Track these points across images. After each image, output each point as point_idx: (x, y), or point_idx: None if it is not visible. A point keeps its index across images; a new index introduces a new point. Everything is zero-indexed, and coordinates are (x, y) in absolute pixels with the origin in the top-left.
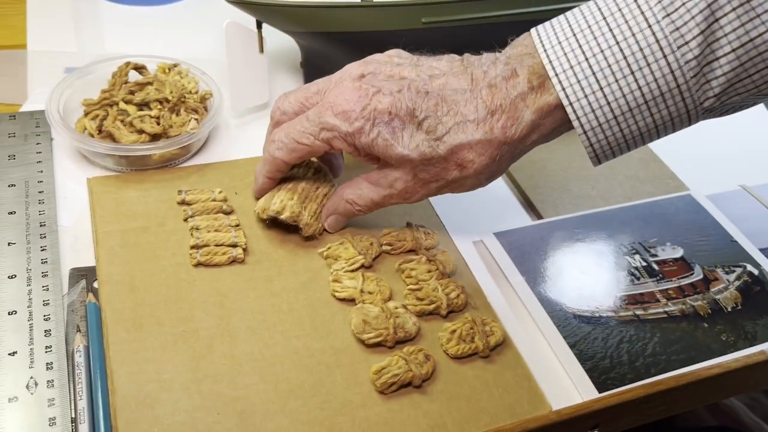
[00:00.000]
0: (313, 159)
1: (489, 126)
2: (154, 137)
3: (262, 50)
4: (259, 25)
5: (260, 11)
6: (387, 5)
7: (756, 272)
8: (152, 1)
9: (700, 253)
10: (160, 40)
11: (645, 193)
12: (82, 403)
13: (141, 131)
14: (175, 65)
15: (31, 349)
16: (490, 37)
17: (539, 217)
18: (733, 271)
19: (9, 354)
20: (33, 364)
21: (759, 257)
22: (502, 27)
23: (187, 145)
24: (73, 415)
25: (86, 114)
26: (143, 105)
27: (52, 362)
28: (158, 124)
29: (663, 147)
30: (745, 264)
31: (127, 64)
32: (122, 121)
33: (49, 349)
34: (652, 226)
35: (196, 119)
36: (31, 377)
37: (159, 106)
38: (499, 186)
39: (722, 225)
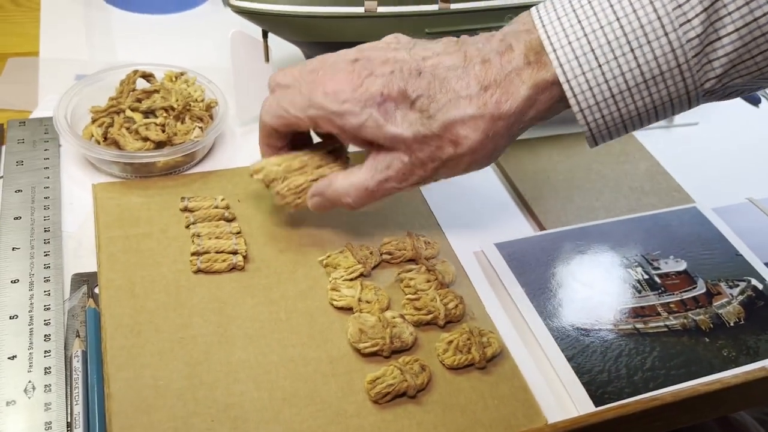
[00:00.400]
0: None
1: (482, 101)
2: (159, 145)
3: (267, 59)
4: (264, 35)
5: (266, 21)
6: (391, 16)
7: (760, 287)
8: (162, 9)
9: (703, 266)
10: (170, 48)
11: (650, 205)
12: (78, 408)
13: (146, 139)
14: (182, 73)
15: (30, 353)
16: None
17: (542, 228)
18: (737, 286)
19: (9, 358)
20: (32, 368)
21: (764, 271)
22: None
23: (192, 153)
24: (69, 420)
25: (93, 121)
26: (149, 113)
27: (50, 367)
28: (163, 131)
29: (670, 159)
30: (749, 278)
31: (135, 72)
32: (128, 128)
33: (48, 354)
34: (656, 239)
35: (200, 127)
36: (29, 381)
37: (164, 114)
38: (502, 196)
39: (727, 238)
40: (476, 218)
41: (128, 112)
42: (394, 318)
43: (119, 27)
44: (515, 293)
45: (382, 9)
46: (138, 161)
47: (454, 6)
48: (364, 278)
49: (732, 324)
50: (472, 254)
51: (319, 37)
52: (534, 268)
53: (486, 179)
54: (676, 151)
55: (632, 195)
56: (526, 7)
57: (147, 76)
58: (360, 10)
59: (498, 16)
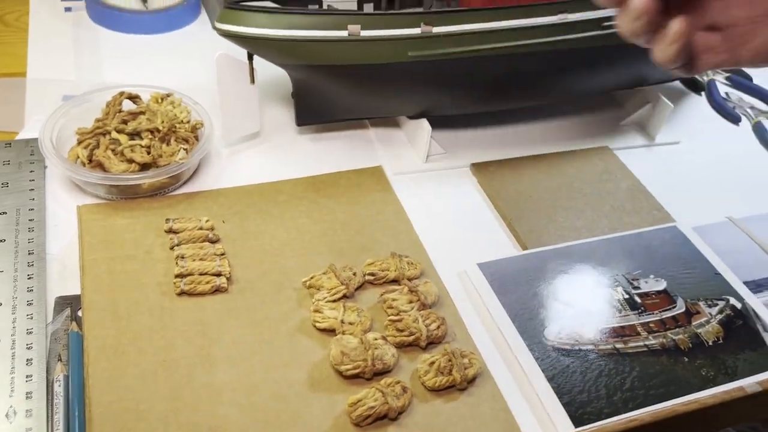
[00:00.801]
0: None
1: None
2: (144, 166)
3: (253, 81)
4: (250, 57)
5: (251, 44)
6: (374, 40)
7: (739, 306)
8: (151, 29)
9: (683, 285)
10: (158, 68)
11: (631, 224)
12: None
13: (131, 160)
14: (168, 95)
15: (12, 378)
16: (477, 69)
17: (524, 247)
18: (716, 305)
19: None
20: (13, 393)
21: (742, 290)
22: (487, 60)
23: (177, 174)
24: None
25: (79, 142)
26: (135, 134)
27: (31, 391)
28: (148, 153)
29: (651, 178)
30: (728, 297)
31: (121, 93)
32: (113, 150)
33: (29, 378)
34: (637, 258)
35: (185, 149)
36: (11, 406)
37: (150, 136)
38: (486, 216)
39: (707, 257)
40: (460, 238)
41: (114, 134)
42: (376, 340)
43: (108, 47)
44: (497, 313)
45: (365, 33)
46: (123, 183)
47: (436, 30)
48: (347, 299)
49: (711, 343)
50: (455, 274)
51: (303, 60)
52: (516, 288)
53: (470, 199)
54: (658, 169)
55: (614, 214)
56: (509, 32)
57: (133, 98)
58: (344, 33)
59: (480, 40)
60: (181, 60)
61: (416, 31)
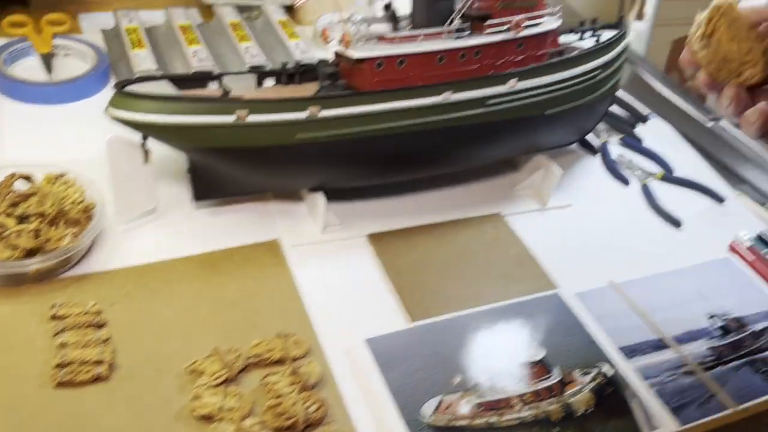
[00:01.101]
0: None
1: None
2: (31, 252)
3: (147, 160)
4: (144, 138)
5: (141, 129)
6: (261, 125)
7: (611, 373)
8: (57, 100)
9: (560, 354)
10: (62, 138)
11: (517, 292)
12: None
13: (16, 246)
14: (62, 174)
15: None
16: (366, 148)
17: (413, 319)
18: (590, 373)
19: None
20: None
21: (615, 357)
22: (376, 140)
23: (65, 258)
24: None
25: None
26: (24, 218)
27: None
28: (37, 237)
29: (540, 243)
30: (601, 365)
31: (12, 175)
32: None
33: None
34: (519, 328)
35: (74, 233)
36: None
37: (39, 219)
38: (380, 288)
39: (583, 325)
40: (354, 311)
41: (1, 218)
42: (252, 426)
43: (12, 119)
44: (379, 392)
45: (252, 118)
46: (5, 272)
47: (323, 113)
48: (229, 383)
49: (582, 413)
50: (343, 351)
51: (193, 144)
52: (401, 364)
53: (366, 270)
54: (548, 234)
55: (500, 282)
56: (395, 113)
57: (26, 177)
58: (231, 119)
59: (367, 121)
60: (88, 129)
61: (303, 114)
